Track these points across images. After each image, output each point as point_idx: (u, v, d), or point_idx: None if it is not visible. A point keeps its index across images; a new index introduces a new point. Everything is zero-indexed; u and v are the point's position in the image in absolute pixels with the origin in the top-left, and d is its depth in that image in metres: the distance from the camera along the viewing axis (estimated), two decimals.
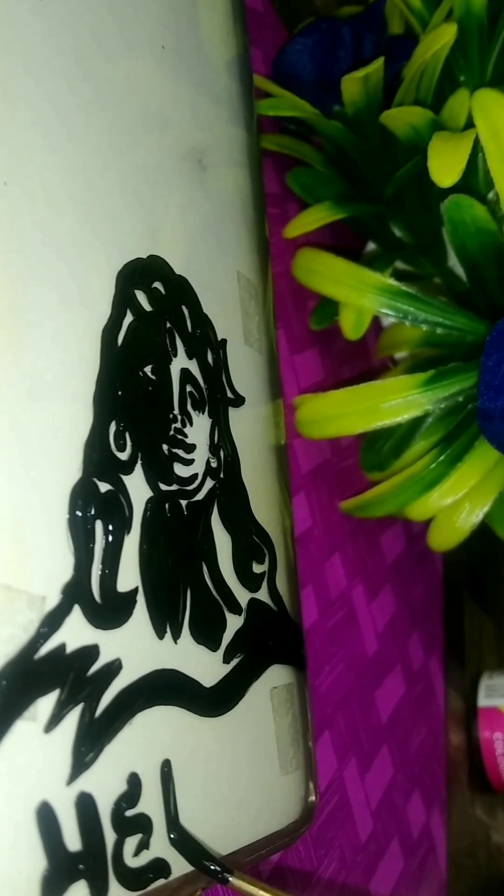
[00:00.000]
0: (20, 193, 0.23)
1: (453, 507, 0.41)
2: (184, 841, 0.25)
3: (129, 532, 0.24)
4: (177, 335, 0.28)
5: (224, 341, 0.31)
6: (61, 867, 0.21)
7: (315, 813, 0.32)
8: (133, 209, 0.27)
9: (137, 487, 0.25)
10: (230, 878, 0.25)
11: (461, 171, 0.35)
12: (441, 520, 0.42)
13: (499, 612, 0.59)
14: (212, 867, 0.25)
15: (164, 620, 0.25)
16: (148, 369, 0.27)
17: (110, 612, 0.23)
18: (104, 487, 0.24)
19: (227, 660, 0.28)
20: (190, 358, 0.29)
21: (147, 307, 0.27)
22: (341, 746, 0.40)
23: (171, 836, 0.24)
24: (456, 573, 0.58)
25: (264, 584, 0.31)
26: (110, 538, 0.24)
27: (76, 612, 0.22)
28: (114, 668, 0.23)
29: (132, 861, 0.23)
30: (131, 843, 0.23)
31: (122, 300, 0.26)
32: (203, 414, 0.29)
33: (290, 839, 0.30)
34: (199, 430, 0.29)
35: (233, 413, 0.31)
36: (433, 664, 0.53)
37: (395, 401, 0.39)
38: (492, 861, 0.53)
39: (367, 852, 0.40)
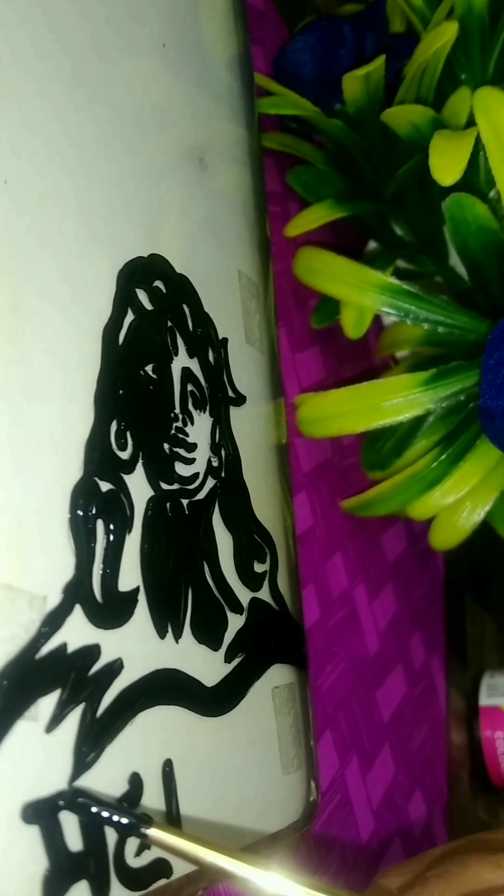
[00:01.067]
0: (20, 192, 0.23)
1: (455, 506, 0.41)
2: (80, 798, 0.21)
3: (130, 531, 0.24)
4: (178, 334, 0.28)
5: (225, 340, 0.31)
6: (62, 867, 0.21)
7: (317, 812, 0.32)
8: (134, 208, 0.27)
9: (138, 486, 0.25)
10: (147, 832, 0.22)
11: (462, 169, 0.35)
12: (442, 519, 0.42)
13: (500, 611, 0.59)
14: (120, 820, 0.22)
15: (166, 620, 0.25)
16: (149, 368, 0.27)
17: (111, 611, 0.23)
18: (105, 487, 0.24)
19: (228, 659, 0.28)
20: (191, 357, 0.29)
21: (148, 306, 0.27)
22: (343, 746, 0.40)
23: (65, 796, 0.21)
24: (457, 572, 0.58)
25: (266, 584, 0.31)
26: (111, 537, 0.24)
27: (77, 611, 0.22)
28: (115, 668, 0.23)
29: (133, 861, 0.23)
30: (133, 842, 0.23)
31: (123, 299, 0.26)
32: (204, 413, 0.29)
33: (291, 838, 0.30)
34: (200, 429, 0.29)
35: (234, 412, 0.31)
36: (435, 663, 0.53)
37: (396, 399, 0.39)
38: None
39: (369, 851, 0.40)
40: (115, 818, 0.22)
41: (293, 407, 0.41)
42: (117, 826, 0.22)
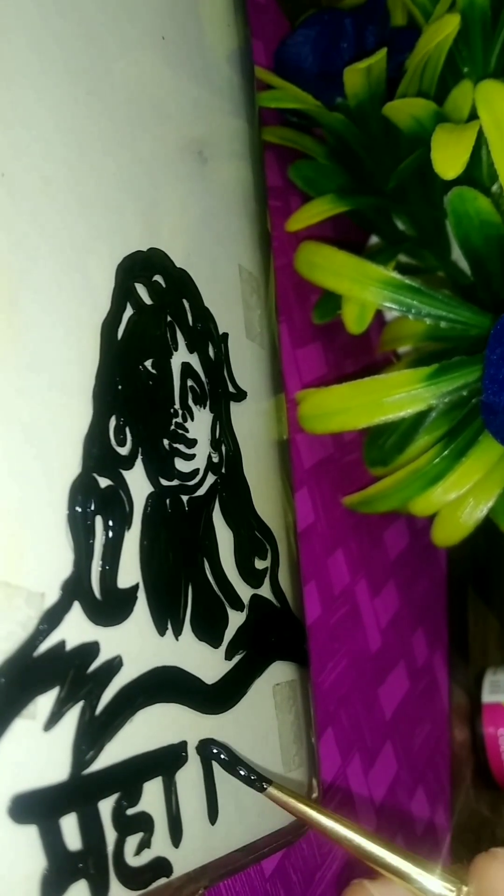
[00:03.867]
0: (18, 185, 0.22)
1: (457, 502, 0.41)
2: (219, 751, 0.26)
3: (129, 528, 0.24)
4: (177, 329, 0.28)
5: (225, 335, 0.31)
6: (61, 866, 0.21)
7: None
8: (133, 201, 0.27)
9: (138, 482, 0.25)
10: (267, 788, 0.26)
11: (465, 163, 0.35)
12: (445, 515, 0.42)
13: (503, 608, 0.59)
14: (249, 776, 0.26)
15: (166, 617, 0.25)
16: (148, 363, 0.26)
17: (110, 608, 0.23)
18: (104, 483, 0.23)
19: (229, 656, 0.28)
20: (191, 352, 0.29)
21: (147, 300, 0.27)
22: (345, 743, 0.40)
23: (207, 746, 0.26)
24: (460, 569, 0.58)
25: (266, 580, 0.31)
26: (110, 534, 0.23)
27: (76, 608, 0.22)
28: (114, 666, 0.23)
29: (133, 860, 0.23)
30: (132, 841, 0.23)
31: (122, 293, 0.25)
32: (204, 408, 0.29)
33: (292, 837, 0.30)
34: (200, 424, 0.28)
35: (234, 408, 0.31)
36: (437, 660, 0.53)
37: (398, 395, 0.39)
38: None
39: None
40: (244, 773, 0.26)
41: (294, 403, 0.40)
42: (244, 780, 0.26)
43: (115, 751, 0.23)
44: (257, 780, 0.26)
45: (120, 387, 0.25)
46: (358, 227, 0.49)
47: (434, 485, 0.40)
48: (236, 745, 0.27)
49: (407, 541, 0.52)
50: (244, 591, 0.30)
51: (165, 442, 0.27)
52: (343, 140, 0.43)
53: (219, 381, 0.30)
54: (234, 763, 0.26)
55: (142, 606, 0.24)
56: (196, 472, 0.28)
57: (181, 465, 0.27)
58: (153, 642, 0.25)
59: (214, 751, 0.26)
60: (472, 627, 0.56)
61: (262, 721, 0.29)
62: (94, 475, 0.23)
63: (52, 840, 0.20)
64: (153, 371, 0.27)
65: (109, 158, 0.26)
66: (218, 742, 0.26)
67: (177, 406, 0.27)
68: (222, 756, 0.26)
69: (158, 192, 0.28)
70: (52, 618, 0.21)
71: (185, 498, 0.27)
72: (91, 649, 0.22)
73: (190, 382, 0.28)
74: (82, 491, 0.23)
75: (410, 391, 0.39)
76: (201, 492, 0.28)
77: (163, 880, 0.24)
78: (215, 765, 0.26)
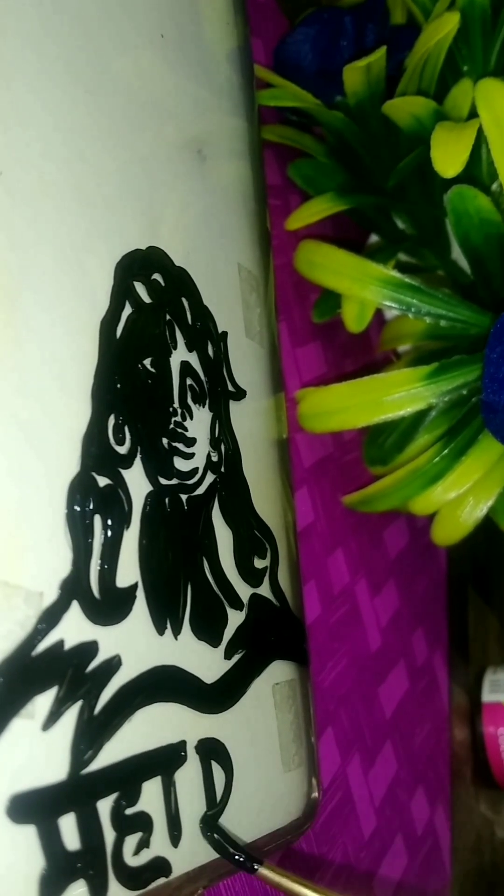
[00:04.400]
0: (16, 183, 0.22)
1: (457, 501, 0.41)
2: (212, 831, 0.25)
3: (128, 527, 0.24)
4: (177, 327, 0.28)
5: (225, 334, 0.31)
6: (60, 866, 0.20)
7: (318, 810, 0.31)
8: (131, 200, 0.27)
9: (137, 481, 0.25)
10: (258, 868, 0.25)
11: (464, 161, 0.35)
12: (445, 514, 0.42)
13: (503, 607, 0.59)
14: (239, 857, 0.25)
15: (165, 616, 0.25)
16: (147, 362, 0.26)
17: (109, 607, 0.23)
18: (103, 482, 0.23)
19: (228, 656, 0.28)
20: (190, 350, 0.29)
21: (146, 299, 0.27)
22: (344, 742, 0.40)
23: (201, 826, 0.25)
24: (460, 568, 0.58)
25: (266, 580, 0.31)
26: (109, 533, 0.23)
27: (74, 607, 0.22)
28: (113, 665, 0.23)
29: (132, 860, 0.23)
30: (131, 841, 0.23)
31: (121, 292, 0.25)
32: (203, 407, 0.29)
33: (292, 836, 0.30)
34: (199, 423, 0.28)
35: (234, 406, 0.31)
36: (437, 659, 0.53)
37: (398, 394, 0.39)
38: (496, 857, 0.53)
39: (371, 849, 0.40)
40: (237, 857, 0.25)
41: (294, 401, 0.40)
42: (236, 863, 0.25)
43: (114, 750, 0.22)
44: (247, 860, 0.25)
45: (119, 385, 0.25)
46: (357, 225, 0.49)
47: (434, 484, 0.40)
48: (236, 744, 0.27)
49: (407, 540, 0.52)
50: (243, 591, 0.29)
51: (164, 441, 0.27)
52: (343, 138, 0.43)
53: (218, 380, 0.30)
54: (225, 845, 0.25)
55: (141, 606, 0.24)
56: (195, 471, 0.28)
57: (180, 464, 0.27)
58: (152, 641, 0.25)
59: (208, 834, 0.25)
60: (472, 626, 0.56)
61: (262, 720, 0.29)
62: (93, 474, 0.23)
63: (50, 840, 0.20)
64: (152, 370, 0.27)
65: (108, 157, 0.26)
66: (214, 826, 0.26)
67: (176, 405, 0.27)
68: (214, 836, 0.25)
69: (157, 191, 0.28)
70: (51, 617, 0.21)
71: (184, 497, 0.27)
72: (90, 649, 0.22)
73: (189, 381, 0.28)
74: (81, 490, 0.23)
75: (410, 390, 0.39)
76: (200, 491, 0.28)
77: (162, 880, 0.24)
78: (214, 765, 0.26)
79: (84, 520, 0.22)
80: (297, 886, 0.25)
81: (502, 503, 0.41)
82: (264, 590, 0.31)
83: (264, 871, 0.25)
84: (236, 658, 0.28)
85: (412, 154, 0.40)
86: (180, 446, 0.27)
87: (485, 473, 0.40)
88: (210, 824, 0.25)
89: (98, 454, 0.23)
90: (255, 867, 0.25)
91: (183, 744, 0.25)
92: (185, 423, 0.28)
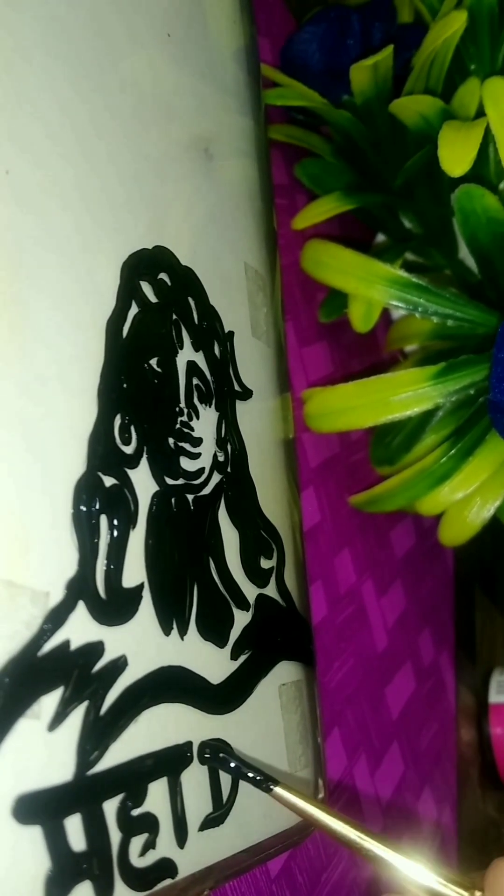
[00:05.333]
0: (23, 183, 0.22)
1: (464, 501, 0.41)
2: (223, 757, 0.26)
3: (134, 527, 0.24)
4: (183, 327, 0.28)
5: (231, 333, 0.31)
6: (66, 867, 0.20)
7: None
8: (138, 199, 0.27)
9: (143, 481, 0.25)
10: (273, 788, 0.26)
11: (472, 160, 0.35)
12: (452, 514, 0.42)
13: None
14: (255, 777, 0.26)
15: (171, 616, 0.25)
16: (154, 362, 0.26)
17: (115, 608, 0.23)
18: (109, 481, 0.23)
19: (234, 656, 0.28)
20: (196, 350, 0.28)
21: (153, 298, 0.27)
22: (351, 743, 0.40)
23: (210, 750, 0.26)
24: (467, 568, 0.57)
25: (272, 580, 0.31)
26: (115, 533, 0.23)
27: (80, 608, 0.22)
28: (119, 665, 0.23)
29: (138, 861, 0.23)
30: (137, 842, 0.23)
31: (128, 291, 0.25)
32: (210, 407, 0.29)
33: (298, 838, 0.30)
34: (205, 423, 0.28)
35: (240, 406, 0.31)
36: (444, 660, 0.53)
37: (405, 394, 0.38)
38: None
39: None
40: (251, 774, 0.26)
41: (300, 401, 0.40)
42: (251, 781, 0.26)
43: (120, 751, 0.22)
44: (263, 780, 0.26)
45: (125, 385, 0.25)
46: (364, 225, 0.49)
47: (441, 484, 0.40)
48: (241, 745, 0.27)
49: (413, 540, 0.52)
50: (250, 591, 0.29)
51: (171, 441, 0.27)
52: (349, 138, 0.43)
53: (224, 380, 0.30)
54: (239, 765, 0.26)
55: (147, 606, 0.24)
56: (201, 470, 0.28)
57: (186, 464, 0.27)
58: (158, 642, 0.25)
59: (220, 755, 0.26)
60: (479, 627, 0.56)
61: (268, 721, 0.29)
62: (99, 474, 0.23)
63: (56, 841, 0.20)
64: (158, 369, 0.26)
65: (115, 156, 0.26)
66: (220, 747, 0.26)
67: (182, 405, 0.27)
68: (230, 764, 0.26)
69: (164, 190, 0.28)
70: (57, 617, 0.21)
71: (190, 497, 0.27)
72: (96, 649, 0.22)
73: (195, 381, 0.28)
74: (87, 490, 0.22)
75: (417, 390, 0.38)
76: (207, 491, 0.28)
77: (168, 881, 0.24)
78: None
79: (90, 520, 0.22)
80: (310, 807, 0.26)
81: None
82: (270, 590, 0.31)
83: (280, 791, 0.26)
84: (242, 658, 0.28)
85: (419, 153, 0.40)
86: (187, 446, 0.27)
87: (492, 473, 0.40)
88: (222, 749, 0.26)
89: (104, 454, 0.23)
90: (271, 787, 0.26)
91: (189, 745, 0.25)
92: (192, 423, 0.28)
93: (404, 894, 0.24)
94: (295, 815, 0.29)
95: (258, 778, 0.26)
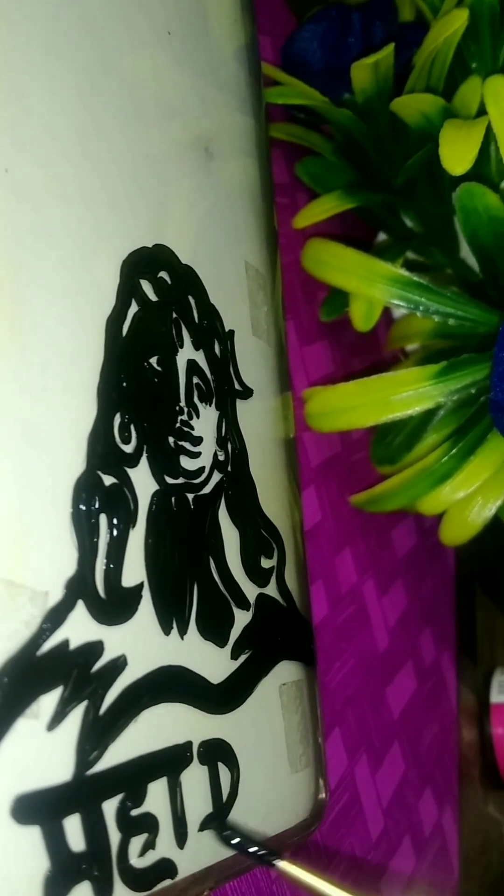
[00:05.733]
0: (22, 181, 0.22)
1: (465, 500, 0.41)
2: (226, 831, 0.26)
3: (134, 526, 0.24)
4: (183, 326, 0.28)
5: (232, 332, 0.31)
6: (65, 867, 0.20)
7: (325, 811, 0.31)
8: (138, 197, 0.27)
9: (143, 480, 0.25)
10: (276, 863, 0.26)
11: (473, 158, 0.34)
12: (453, 514, 0.41)
13: None
14: (258, 852, 0.26)
15: (171, 616, 0.25)
16: (153, 360, 0.26)
17: (115, 607, 0.23)
18: (108, 480, 0.23)
19: (234, 656, 0.28)
20: (197, 349, 0.28)
21: (153, 297, 0.26)
22: (352, 743, 0.40)
23: (214, 826, 0.25)
24: (468, 568, 0.57)
25: (273, 579, 0.31)
26: (115, 532, 0.23)
27: (80, 607, 0.22)
28: (118, 665, 0.23)
29: (137, 861, 0.22)
30: (137, 842, 0.23)
31: (127, 290, 0.25)
32: (210, 406, 0.29)
33: (299, 838, 0.30)
34: (205, 422, 0.28)
35: (240, 405, 0.31)
36: (445, 660, 0.52)
37: (406, 393, 0.38)
38: None
39: (378, 850, 0.40)
40: (254, 850, 0.26)
41: (301, 400, 0.40)
42: (255, 858, 0.26)
43: (120, 751, 0.22)
44: (266, 854, 0.26)
45: (125, 384, 0.24)
46: (365, 223, 0.49)
47: (442, 483, 0.40)
48: (242, 744, 0.27)
49: (415, 540, 0.52)
50: (250, 590, 0.29)
51: (171, 440, 0.26)
52: (350, 136, 0.43)
53: (225, 379, 0.30)
54: (237, 838, 0.26)
55: (146, 605, 0.24)
56: (202, 470, 0.28)
57: (187, 463, 0.27)
58: (158, 641, 0.25)
59: (224, 833, 0.26)
60: (481, 626, 0.56)
61: (269, 721, 0.29)
62: (99, 473, 0.23)
63: (55, 841, 0.20)
64: (158, 368, 0.26)
65: (115, 154, 0.26)
66: (225, 824, 0.26)
67: (182, 403, 0.27)
68: (233, 841, 0.26)
69: (164, 189, 0.28)
70: (56, 616, 0.21)
71: (190, 496, 0.27)
72: (95, 648, 0.22)
73: (195, 380, 0.28)
74: (87, 489, 0.22)
75: (418, 389, 0.38)
76: (207, 490, 0.28)
77: (167, 882, 0.24)
78: (221, 766, 0.26)
79: (90, 519, 0.22)
80: (314, 880, 0.25)
81: None
82: (271, 589, 0.31)
83: (283, 865, 0.26)
84: (243, 658, 0.28)
85: (420, 152, 0.40)
86: (187, 445, 0.27)
87: (493, 473, 0.40)
88: (223, 823, 0.26)
89: (104, 453, 0.23)
90: (274, 861, 0.26)
91: (189, 744, 0.25)
92: (192, 422, 0.28)
93: None
94: (296, 815, 0.29)
95: (261, 853, 0.26)
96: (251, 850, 0.26)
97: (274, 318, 0.34)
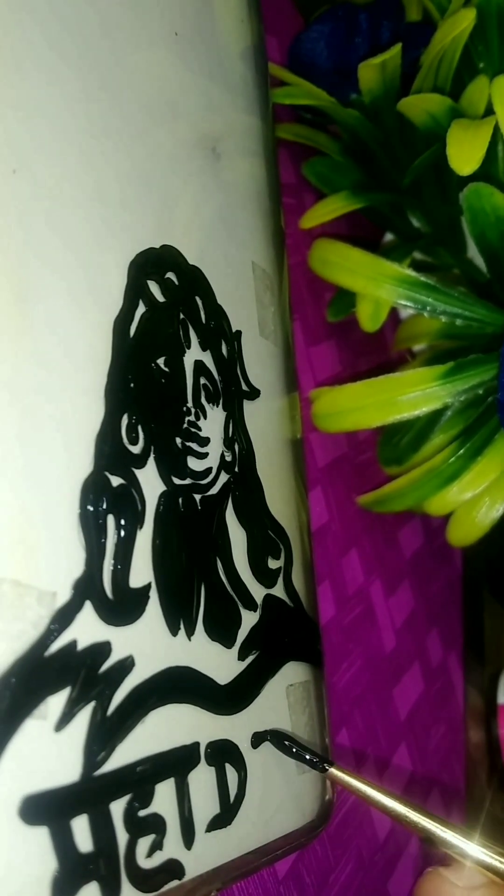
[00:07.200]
0: (29, 182, 0.22)
1: (473, 501, 0.40)
2: (278, 736, 0.28)
3: (141, 527, 0.24)
4: (190, 326, 0.28)
5: (239, 333, 0.31)
6: (72, 868, 0.20)
7: (332, 812, 0.31)
8: (145, 198, 0.27)
9: (150, 481, 0.25)
10: (329, 769, 0.28)
11: (481, 158, 0.34)
12: (460, 514, 0.41)
13: None
14: (310, 757, 0.28)
15: (178, 617, 0.25)
16: (161, 361, 0.26)
17: (122, 608, 0.23)
18: (116, 481, 0.23)
19: (242, 657, 0.28)
20: (204, 350, 0.28)
21: (160, 298, 0.26)
22: (359, 744, 0.40)
23: (269, 735, 0.28)
24: (475, 568, 0.57)
25: (280, 580, 0.31)
26: (122, 533, 0.23)
27: (87, 608, 0.22)
28: (126, 666, 0.23)
29: (145, 862, 0.22)
30: (144, 843, 0.23)
31: (135, 291, 0.25)
32: (217, 407, 0.29)
33: (306, 839, 0.30)
34: (213, 423, 0.28)
35: (247, 406, 0.31)
36: (452, 661, 0.52)
37: (413, 393, 0.38)
38: None
39: (386, 852, 0.40)
40: (307, 756, 0.28)
41: (308, 401, 0.40)
42: (307, 762, 0.28)
43: (127, 752, 0.22)
44: (319, 761, 0.28)
45: (132, 385, 0.24)
46: (372, 224, 0.49)
47: (449, 484, 0.40)
48: (249, 745, 0.27)
49: (422, 540, 0.52)
50: (257, 591, 0.29)
51: (178, 440, 0.26)
52: (357, 136, 0.43)
53: (232, 380, 0.30)
54: (293, 746, 0.28)
55: (154, 606, 0.24)
56: (209, 470, 0.28)
57: (194, 464, 0.27)
58: (165, 642, 0.25)
59: (275, 737, 0.28)
60: (488, 627, 0.56)
61: (276, 722, 0.29)
62: (106, 474, 0.23)
63: (63, 842, 0.20)
64: (166, 369, 0.26)
65: (122, 155, 0.26)
66: (277, 730, 0.28)
67: (189, 404, 0.27)
68: (285, 742, 0.28)
69: (171, 189, 0.28)
70: (64, 617, 0.21)
71: (197, 497, 0.27)
72: (103, 649, 0.22)
73: (203, 380, 0.28)
74: (94, 489, 0.22)
75: (425, 389, 0.38)
76: (214, 491, 0.28)
77: (175, 882, 0.24)
78: (228, 766, 0.26)
79: (97, 520, 0.22)
80: (365, 787, 0.27)
81: None
82: (278, 590, 0.31)
83: (335, 772, 0.28)
84: (250, 659, 0.28)
85: (428, 152, 0.40)
86: (194, 446, 0.27)
87: (501, 473, 0.40)
88: (279, 733, 0.28)
89: (111, 454, 0.23)
90: (326, 767, 0.28)
91: (196, 745, 0.25)
92: (199, 423, 0.28)
93: (458, 868, 0.25)
94: (303, 816, 0.29)
95: (315, 759, 0.28)
96: (305, 756, 0.28)
97: (281, 318, 0.34)
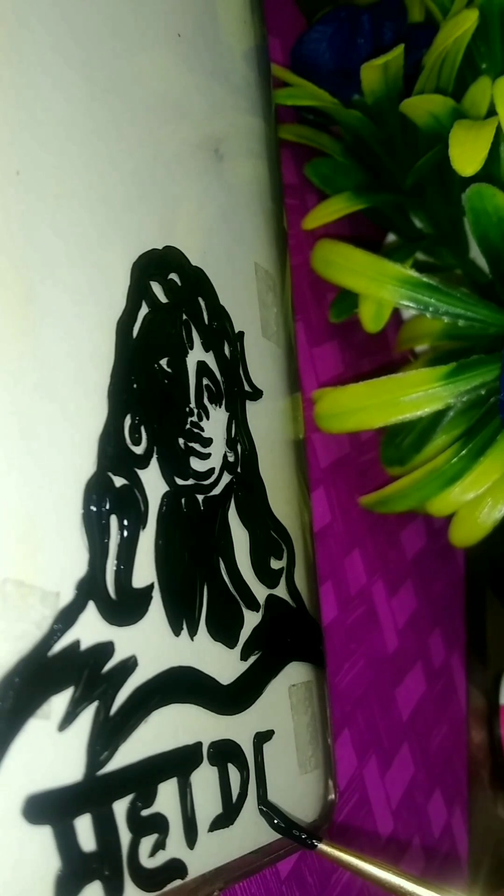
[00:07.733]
0: (33, 183, 0.22)
1: (475, 502, 0.40)
2: (270, 811, 0.27)
3: (144, 527, 0.24)
4: (193, 327, 0.28)
5: (241, 334, 0.31)
6: (75, 867, 0.20)
7: (334, 812, 0.31)
8: (148, 199, 0.27)
9: (153, 482, 0.25)
10: (318, 845, 0.27)
11: (483, 159, 0.34)
12: (463, 515, 0.41)
13: None
14: (299, 835, 0.27)
15: (181, 617, 0.25)
16: (163, 362, 0.26)
17: (125, 608, 0.23)
18: (119, 482, 0.23)
19: (244, 657, 0.28)
20: (206, 350, 0.28)
21: (163, 299, 0.27)
22: (361, 744, 0.40)
23: (260, 807, 0.27)
24: (478, 569, 0.57)
25: (282, 580, 0.31)
26: (125, 533, 0.23)
27: (90, 608, 0.22)
28: (129, 666, 0.23)
29: (148, 861, 0.23)
30: (147, 843, 0.23)
31: (138, 291, 0.25)
32: (220, 407, 0.29)
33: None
34: (215, 423, 0.28)
35: (250, 407, 0.31)
36: (454, 661, 0.52)
37: (415, 394, 0.38)
38: None
39: (388, 852, 0.40)
40: (296, 832, 0.27)
41: (310, 402, 0.40)
42: (297, 839, 0.27)
43: (130, 751, 0.22)
44: (307, 837, 0.27)
45: (135, 385, 0.25)
46: (375, 224, 0.49)
47: (452, 484, 0.40)
48: (252, 745, 0.27)
49: (424, 541, 0.52)
50: (260, 592, 0.29)
51: (181, 441, 0.26)
52: (360, 137, 0.43)
53: (234, 380, 0.30)
54: (283, 823, 0.27)
55: (157, 606, 0.24)
56: (212, 471, 0.28)
57: (196, 465, 0.27)
58: (168, 642, 0.25)
59: (267, 815, 0.27)
60: (490, 628, 0.56)
61: (278, 722, 0.29)
62: (109, 474, 0.23)
63: (66, 841, 0.20)
64: (168, 370, 0.26)
65: (125, 156, 0.26)
66: (268, 804, 0.27)
67: (192, 405, 0.27)
68: (274, 821, 0.27)
69: (174, 190, 0.28)
70: (67, 617, 0.21)
71: (200, 497, 0.27)
72: (106, 649, 0.22)
73: (205, 381, 0.28)
74: (97, 490, 0.22)
75: (428, 390, 0.38)
76: (217, 491, 0.28)
77: (177, 882, 0.24)
78: (231, 766, 0.26)
79: (100, 520, 0.22)
80: (355, 861, 0.26)
81: None
82: (280, 591, 0.31)
83: (324, 847, 0.27)
84: (252, 659, 0.28)
85: (430, 153, 0.40)
86: (196, 446, 0.27)
87: (503, 474, 0.40)
88: (266, 804, 0.27)
89: (114, 454, 0.23)
90: (315, 843, 0.27)
91: (199, 745, 0.25)
92: (202, 424, 0.28)
93: None
94: (305, 817, 0.29)
95: (304, 836, 0.27)
96: (294, 832, 0.27)
97: (283, 319, 0.34)
